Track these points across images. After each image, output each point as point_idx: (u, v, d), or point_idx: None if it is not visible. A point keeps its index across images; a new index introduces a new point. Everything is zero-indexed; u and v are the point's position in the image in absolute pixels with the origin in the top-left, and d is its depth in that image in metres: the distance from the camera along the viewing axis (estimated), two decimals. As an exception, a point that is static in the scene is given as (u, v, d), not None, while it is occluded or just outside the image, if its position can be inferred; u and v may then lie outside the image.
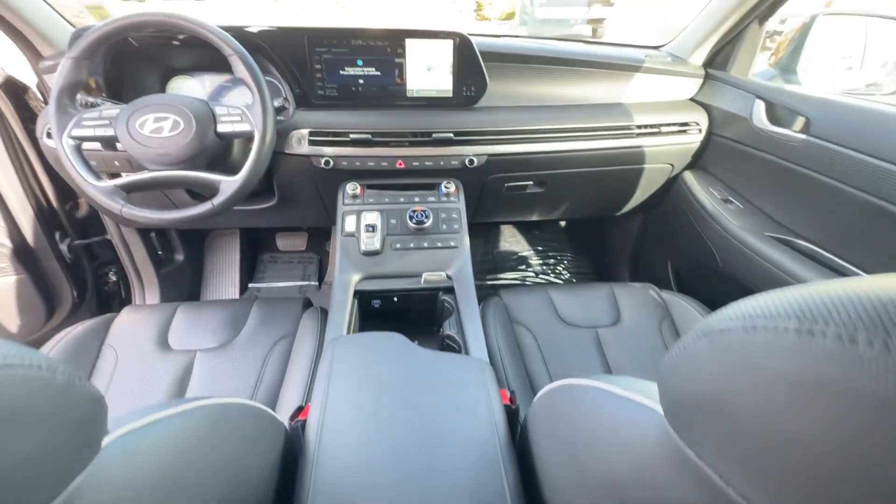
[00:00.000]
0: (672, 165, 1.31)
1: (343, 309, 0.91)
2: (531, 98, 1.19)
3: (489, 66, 1.08)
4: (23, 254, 1.23)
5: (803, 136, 0.97)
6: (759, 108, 1.09)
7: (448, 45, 1.05)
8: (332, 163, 1.08)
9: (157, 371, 0.94)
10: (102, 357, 0.96)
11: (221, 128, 0.91)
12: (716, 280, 1.22)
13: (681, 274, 1.42)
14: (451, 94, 1.10)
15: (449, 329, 0.93)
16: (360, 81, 1.07)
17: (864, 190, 0.84)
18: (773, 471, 0.21)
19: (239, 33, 1.01)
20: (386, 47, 1.04)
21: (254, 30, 1.02)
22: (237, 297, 1.70)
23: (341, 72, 1.06)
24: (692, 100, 1.28)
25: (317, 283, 1.80)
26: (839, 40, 1.16)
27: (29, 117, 1.18)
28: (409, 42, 1.04)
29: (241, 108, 0.91)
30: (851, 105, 0.91)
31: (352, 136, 1.07)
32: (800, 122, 0.99)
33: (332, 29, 1.02)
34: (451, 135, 1.10)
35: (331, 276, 1.82)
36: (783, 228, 1.05)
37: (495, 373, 0.92)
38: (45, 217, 1.27)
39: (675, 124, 1.22)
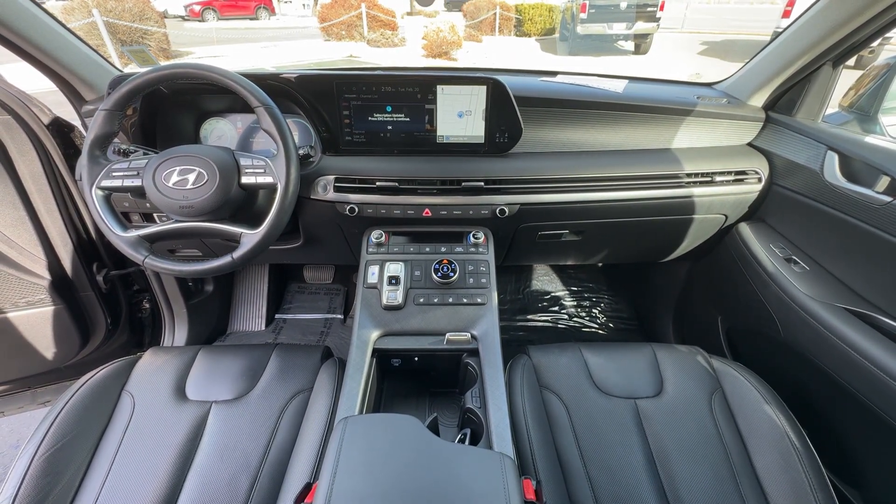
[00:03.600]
0: (726, 216, 1.19)
1: (359, 373, 0.86)
2: (569, 144, 1.11)
3: (524, 110, 1.01)
4: (61, 285, 1.26)
5: (889, 199, 0.84)
6: (832, 160, 0.96)
7: (481, 90, 0.99)
8: (357, 210, 1.05)
9: (171, 422, 0.92)
10: (121, 403, 0.95)
11: (245, 179, 0.89)
12: (775, 349, 1.08)
13: (733, 336, 1.29)
14: (482, 141, 1.04)
15: (471, 401, 0.86)
16: (389, 127, 1.03)
17: None
18: None
19: (269, 79, 1.00)
20: (416, 93, 1.00)
21: (284, 76, 1.01)
22: (263, 328, 1.70)
23: (370, 118, 1.02)
24: (750, 145, 1.16)
25: (342, 317, 1.77)
26: (930, 83, 1.02)
27: (73, 153, 1.22)
28: (440, 88, 0.99)
29: (266, 160, 0.89)
30: None
31: (378, 183, 1.04)
32: (884, 181, 0.86)
33: (361, 75, 0.99)
34: (482, 183, 1.04)
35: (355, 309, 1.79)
36: (861, 301, 0.92)
37: (520, 454, 0.84)
38: (84, 249, 1.30)
39: (730, 172, 1.11)
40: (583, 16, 9.61)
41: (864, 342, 0.85)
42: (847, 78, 1.09)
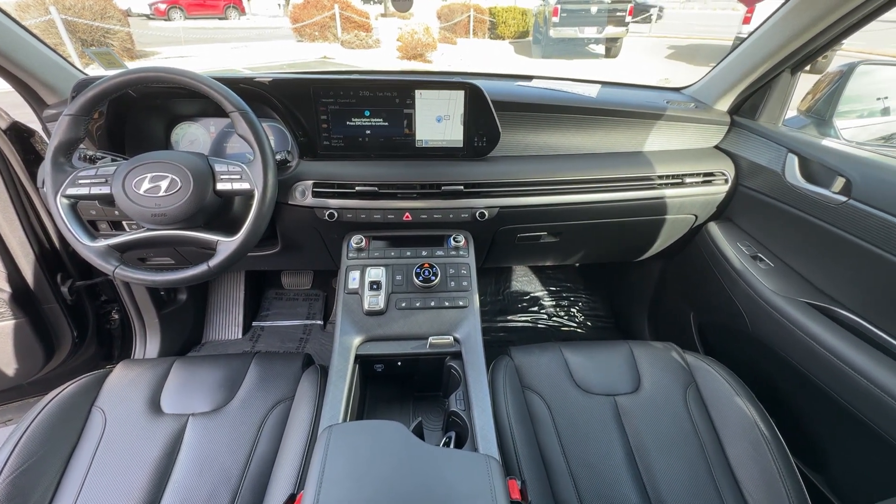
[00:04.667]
0: (696, 216, 1.23)
1: (342, 380, 0.85)
2: (545, 147, 1.13)
3: (501, 115, 1.03)
4: (22, 298, 1.20)
5: (844, 199, 0.89)
6: (793, 162, 1.02)
7: (459, 95, 1.00)
8: (336, 215, 1.04)
9: (146, 437, 0.89)
10: (91, 420, 0.91)
11: (221, 186, 0.87)
12: (744, 343, 1.13)
13: (705, 331, 1.33)
14: (461, 145, 1.05)
15: (455, 404, 0.86)
16: (367, 132, 1.03)
17: None
18: None
19: (245, 83, 0.98)
20: (395, 98, 1.00)
21: (259, 79, 0.99)
22: (240, 336, 1.66)
23: (348, 122, 1.02)
24: (717, 147, 1.21)
25: (322, 322, 1.75)
26: (878, 89, 1.08)
27: (34, 160, 1.16)
28: (418, 93, 0.99)
29: (242, 165, 0.87)
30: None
31: (357, 188, 1.03)
32: (839, 182, 0.91)
33: (339, 79, 0.99)
34: (462, 187, 1.05)
35: (335, 316, 1.77)
36: (821, 295, 0.97)
37: (505, 454, 0.85)
38: (47, 260, 1.25)
39: (699, 174, 1.15)
40: (555, 20, 9.79)
41: (825, 334, 0.90)
42: (806, 82, 1.15)
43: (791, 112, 1.17)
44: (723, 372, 1.01)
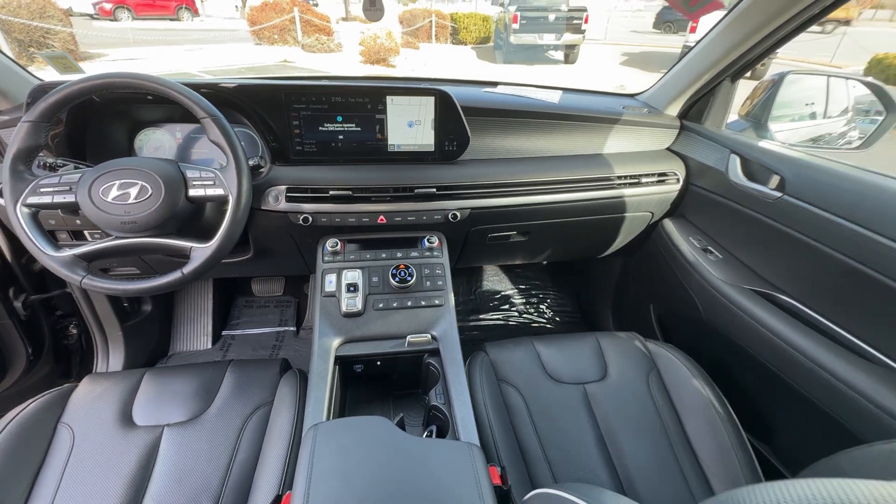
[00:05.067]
0: (652, 213, 1.32)
1: (323, 381, 0.87)
2: (513, 151, 1.19)
3: (470, 120, 1.07)
4: (-30, 315, 1.14)
5: (779, 195, 0.99)
6: (735, 162, 1.12)
7: (430, 101, 1.04)
8: (311, 219, 1.05)
9: (118, 452, 0.86)
10: (57, 438, 0.88)
11: (193, 192, 0.86)
12: (699, 329, 1.22)
13: (663, 320, 1.43)
14: (432, 149, 1.09)
15: (435, 399, 0.89)
16: (340, 137, 1.05)
17: (842, 252, 0.86)
18: None
19: (215, 89, 0.97)
20: (366, 104, 1.02)
21: (229, 85, 0.99)
22: (210, 346, 1.62)
23: (320, 128, 1.03)
24: (669, 150, 1.31)
25: (295, 329, 1.73)
26: (806, 95, 1.21)
27: (-18, 169, 1.10)
28: (389, 98, 1.02)
29: (215, 171, 0.87)
30: (826, 168, 0.94)
31: (332, 191, 1.04)
32: (775, 179, 1.01)
33: (310, 86, 1.00)
34: (434, 189, 1.08)
35: (309, 321, 1.76)
36: (764, 282, 1.07)
37: (484, 444, 0.89)
38: (-2, 274, 1.18)
39: (654, 174, 1.24)
40: (515, 26, 10.04)
41: (768, 318, 0.99)
42: (747, 89, 1.26)
43: (733, 116, 1.28)
44: (681, 357, 1.10)
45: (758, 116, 1.23)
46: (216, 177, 0.86)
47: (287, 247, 1.16)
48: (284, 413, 0.92)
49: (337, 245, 1.08)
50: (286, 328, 1.73)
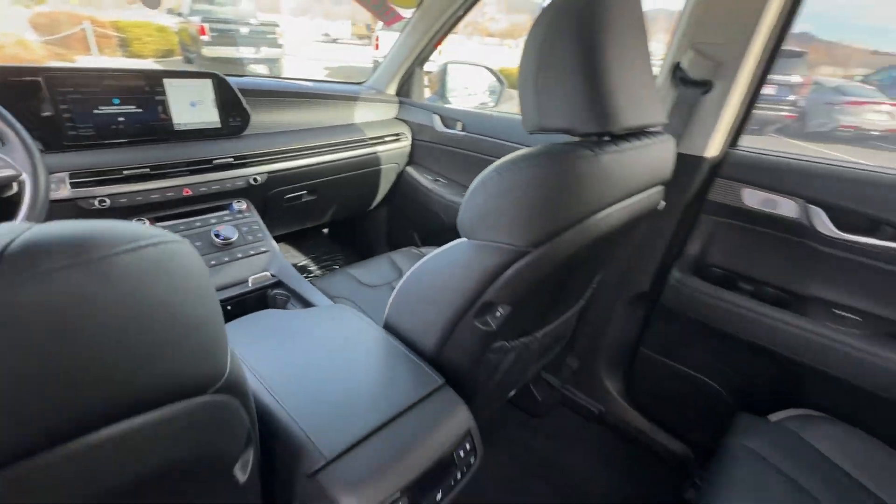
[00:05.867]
0: (398, 164, 1.83)
1: None
2: (289, 124, 1.46)
3: (249, 100, 1.29)
4: None
5: (464, 133, 1.64)
6: (437, 119, 1.73)
7: (207, 83, 1.20)
8: (108, 202, 1.05)
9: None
10: None
11: None
12: (443, 228, 1.80)
13: (426, 239, 1.99)
14: (220, 125, 1.25)
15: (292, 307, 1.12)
16: (121, 119, 1.08)
17: (492, 156, 1.55)
18: None
19: None
20: (143, 87, 1.10)
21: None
22: None
23: (95, 111, 1.04)
24: (397, 118, 1.85)
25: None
26: (464, 77, 1.94)
27: None
28: (167, 81, 1.13)
29: None
30: (483, 114, 1.63)
31: (126, 172, 1.08)
32: (459, 125, 1.66)
33: (76, 69, 1.01)
34: (231, 159, 1.25)
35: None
36: (464, 188, 1.72)
37: None
38: None
39: (392, 135, 1.74)
40: (205, 38, 9.39)
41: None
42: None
43: (429, 93, 1.92)
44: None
45: (441, 92, 1.89)
46: (1, 157, 0.82)
47: None
48: None
49: (146, 224, 1.11)
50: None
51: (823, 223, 1.02)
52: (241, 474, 0.48)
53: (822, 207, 1.02)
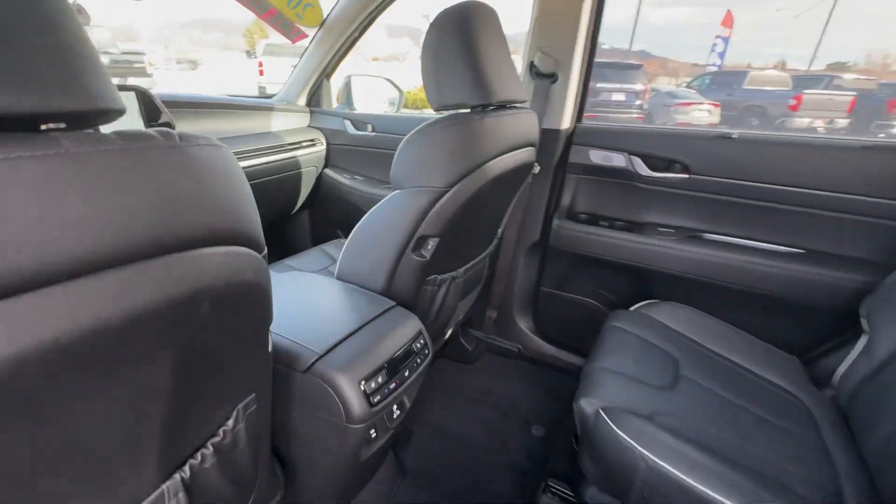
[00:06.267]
0: (316, 167, 2.01)
1: None
2: (213, 132, 1.56)
3: (176, 111, 1.39)
4: None
5: (374, 134, 1.89)
6: (348, 124, 1.95)
7: (131, 95, 1.29)
8: None
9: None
10: None
11: None
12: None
13: (347, 230, 2.17)
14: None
15: None
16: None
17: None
18: None
19: None
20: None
21: None
22: None
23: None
24: (310, 126, 2.03)
25: None
26: (366, 88, 2.19)
27: None
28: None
29: None
30: (388, 116, 1.89)
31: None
32: (370, 126, 1.91)
33: None
34: None
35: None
36: (380, 182, 1.97)
37: None
38: None
39: (307, 140, 1.92)
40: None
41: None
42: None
43: (336, 103, 2.13)
44: None
45: (348, 101, 2.12)
46: None
47: None
48: None
49: None
50: None
51: (641, 167, 1.46)
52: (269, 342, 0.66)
53: (639, 156, 1.46)
